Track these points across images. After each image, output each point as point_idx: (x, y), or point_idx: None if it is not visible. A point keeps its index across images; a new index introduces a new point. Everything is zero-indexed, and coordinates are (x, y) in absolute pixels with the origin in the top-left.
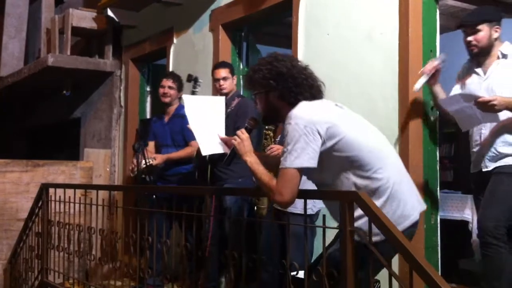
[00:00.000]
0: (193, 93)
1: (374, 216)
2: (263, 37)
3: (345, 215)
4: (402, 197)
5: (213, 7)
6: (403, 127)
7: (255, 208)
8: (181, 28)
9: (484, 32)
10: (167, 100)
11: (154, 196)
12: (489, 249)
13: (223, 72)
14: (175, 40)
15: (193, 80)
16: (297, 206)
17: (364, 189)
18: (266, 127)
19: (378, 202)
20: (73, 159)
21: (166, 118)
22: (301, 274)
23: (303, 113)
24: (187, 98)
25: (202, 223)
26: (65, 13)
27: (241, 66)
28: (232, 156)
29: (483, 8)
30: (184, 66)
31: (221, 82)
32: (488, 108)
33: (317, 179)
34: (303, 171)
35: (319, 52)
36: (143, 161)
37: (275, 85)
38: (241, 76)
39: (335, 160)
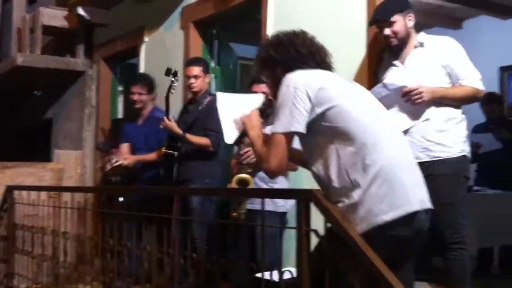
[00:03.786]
0: (171, 87)
1: (331, 216)
2: (236, 35)
3: (302, 214)
4: (390, 183)
5: (184, 4)
6: None
7: (234, 214)
8: (152, 26)
9: (399, 22)
10: (139, 106)
11: (121, 199)
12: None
13: (194, 70)
14: (146, 39)
15: (172, 74)
16: (268, 203)
17: (350, 164)
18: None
19: (363, 181)
20: (46, 161)
21: (140, 121)
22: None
23: (296, 76)
24: (220, 95)
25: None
26: (35, 12)
27: (213, 64)
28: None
29: (391, 1)
30: (155, 65)
31: (192, 80)
32: (416, 99)
33: (307, 149)
34: (292, 136)
35: None
36: (111, 161)
37: (277, 56)
38: (212, 75)
39: (323, 130)
